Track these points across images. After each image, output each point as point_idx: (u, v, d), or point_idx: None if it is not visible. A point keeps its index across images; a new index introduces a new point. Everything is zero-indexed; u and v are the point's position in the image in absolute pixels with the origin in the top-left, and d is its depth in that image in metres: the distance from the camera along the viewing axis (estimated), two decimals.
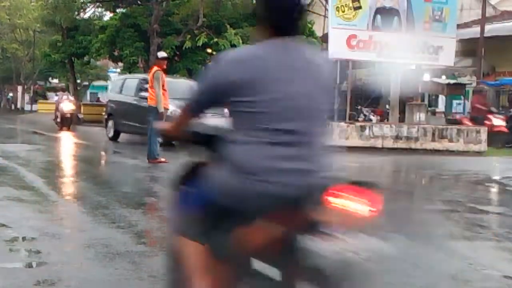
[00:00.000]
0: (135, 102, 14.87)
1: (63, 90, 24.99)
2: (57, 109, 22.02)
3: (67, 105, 21.68)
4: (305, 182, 2.14)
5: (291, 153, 2.17)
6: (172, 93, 13.33)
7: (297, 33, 2.31)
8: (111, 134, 16.33)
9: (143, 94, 13.64)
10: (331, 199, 2.05)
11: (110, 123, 16.42)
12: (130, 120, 14.97)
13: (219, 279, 2.31)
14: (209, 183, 2.30)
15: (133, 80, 16.36)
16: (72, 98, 24.38)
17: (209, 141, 2.42)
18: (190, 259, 2.38)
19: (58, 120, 21.59)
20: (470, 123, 17.75)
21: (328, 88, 2.38)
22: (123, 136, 16.22)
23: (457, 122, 17.97)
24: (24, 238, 4.81)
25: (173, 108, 11.09)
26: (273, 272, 2.16)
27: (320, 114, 2.31)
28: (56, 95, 23.95)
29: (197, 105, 2.41)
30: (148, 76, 11.09)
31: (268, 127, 2.18)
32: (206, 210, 2.31)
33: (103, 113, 18.77)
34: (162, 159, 10.47)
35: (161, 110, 10.64)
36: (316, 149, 2.23)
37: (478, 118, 17.99)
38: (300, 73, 2.26)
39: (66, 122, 21.37)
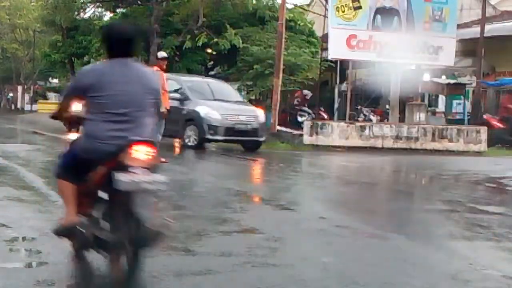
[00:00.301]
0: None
1: None
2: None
3: (76, 106, 21.28)
4: (123, 142, 3.51)
5: (120, 127, 3.58)
6: (217, 97, 13.53)
7: (132, 55, 3.72)
8: None
9: (174, 95, 13.50)
10: (134, 151, 3.49)
11: None
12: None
13: (82, 204, 3.77)
14: (76, 145, 3.82)
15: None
16: None
17: (79, 121, 3.94)
18: (64, 192, 3.84)
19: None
20: (500, 124, 17.64)
21: (152, 89, 3.76)
22: None
23: (484, 123, 17.69)
24: (24, 238, 4.80)
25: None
26: (104, 195, 3.61)
27: (144, 104, 3.69)
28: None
29: (69, 98, 3.92)
30: None
31: (109, 112, 3.59)
32: (74, 162, 3.76)
33: None
34: (162, 159, 10.47)
35: (162, 109, 10.66)
36: (137, 124, 3.62)
37: (510, 118, 17.88)
38: (131, 79, 3.66)
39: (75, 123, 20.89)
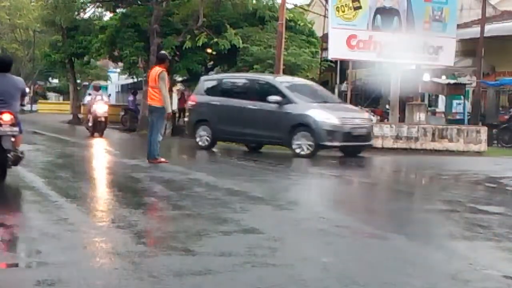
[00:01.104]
0: (254, 107, 13.37)
1: (96, 88, 20.14)
2: (89, 111, 18.88)
3: (101, 107, 18.64)
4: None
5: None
6: (319, 98, 13.03)
7: (7, 71, 7.46)
8: (204, 142, 14.13)
9: (274, 98, 12.87)
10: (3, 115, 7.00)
11: (202, 130, 14.18)
12: (241, 127, 13.41)
13: None
14: None
15: (243, 80, 14.85)
16: (106, 98, 20.80)
17: None
18: None
19: (90, 124, 18.65)
20: None
21: (18, 88, 7.44)
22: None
23: None
24: (24, 238, 4.81)
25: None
26: None
27: (15, 96, 7.34)
28: (89, 94, 19.85)
29: None
30: (150, 76, 10.85)
31: None
32: None
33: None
34: (162, 159, 10.47)
35: (169, 110, 10.71)
36: (8, 105, 7.17)
37: None
38: (7, 83, 7.32)
39: (100, 127, 18.39)
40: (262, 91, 13.59)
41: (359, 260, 4.45)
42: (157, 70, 10.58)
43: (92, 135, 18.38)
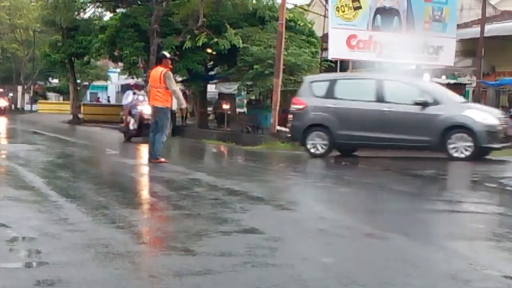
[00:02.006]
0: (388, 110, 12.37)
1: (137, 87, 17.54)
2: (129, 113, 16.89)
3: (148, 109, 15.84)
4: None
5: None
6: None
7: None
8: (318, 149, 12.96)
9: (419, 99, 12.03)
10: None
11: (316, 136, 13.02)
12: (370, 131, 12.43)
13: None
14: None
15: (367, 81, 13.56)
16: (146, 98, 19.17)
17: None
18: None
19: (132, 127, 16.63)
20: None
21: None
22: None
23: None
24: (24, 238, 4.81)
25: None
26: None
27: None
28: (134, 92, 17.27)
29: None
30: (152, 77, 10.74)
31: None
32: None
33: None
34: (163, 159, 10.48)
35: (184, 105, 10.99)
36: None
37: None
38: None
39: (145, 129, 15.36)
40: (397, 92, 12.68)
41: (359, 260, 4.45)
42: (160, 70, 10.51)
43: (128, 139, 16.66)
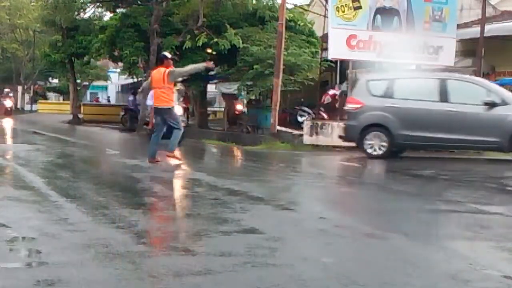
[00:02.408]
0: (452, 110, 12.25)
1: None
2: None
3: (179, 109, 15.75)
4: None
5: None
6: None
7: None
8: (376, 151, 12.80)
9: (488, 99, 11.93)
10: None
11: (374, 136, 12.86)
12: (434, 132, 12.30)
13: None
14: None
15: (430, 80, 13.24)
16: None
17: None
18: None
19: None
20: None
21: None
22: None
23: None
24: (24, 238, 4.81)
25: None
26: None
27: None
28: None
29: None
30: (155, 78, 10.63)
31: None
32: None
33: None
34: (177, 155, 10.57)
35: (202, 66, 11.35)
36: None
37: None
38: None
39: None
40: (462, 92, 12.54)
41: (359, 260, 4.45)
42: (162, 70, 10.46)
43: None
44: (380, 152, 12.65)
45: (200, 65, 11.35)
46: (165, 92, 10.43)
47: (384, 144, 12.66)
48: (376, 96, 13.06)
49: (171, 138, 10.52)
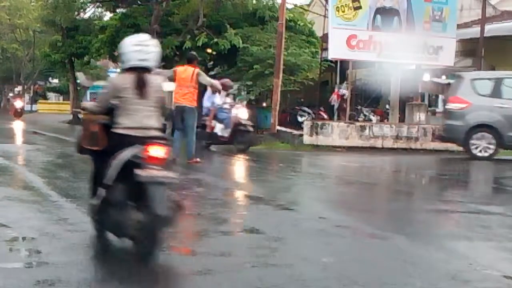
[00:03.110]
0: None
1: (225, 87, 13.83)
2: (215, 117, 14.15)
3: (245, 113, 14.52)
4: None
5: None
6: None
7: None
8: (483, 152, 12.69)
9: None
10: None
11: (481, 137, 12.72)
12: None
13: None
14: None
15: None
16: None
17: None
18: None
19: (221, 133, 13.99)
20: None
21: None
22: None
23: None
24: (24, 238, 4.81)
25: None
26: None
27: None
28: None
29: None
30: (180, 76, 10.54)
31: None
32: None
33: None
34: (198, 159, 10.48)
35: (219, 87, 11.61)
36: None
37: None
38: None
39: (242, 137, 13.98)
40: None
41: (359, 260, 4.45)
42: (191, 70, 10.48)
43: (207, 147, 14.01)
44: (487, 154, 12.53)
45: (216, 84, 11.41)
46: (190, 92, 10.41)
47: (491, 145, 12.54)
48: (483, 96, 12.83)
49: (187, 147, 10.43)
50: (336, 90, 22.18)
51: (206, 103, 14.07)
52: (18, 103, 33.94)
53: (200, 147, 11.02)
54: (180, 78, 10.45)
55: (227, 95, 14.86)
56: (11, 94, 43.53)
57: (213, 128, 14.00)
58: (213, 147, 14.31)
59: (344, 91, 21.67)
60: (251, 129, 13.98)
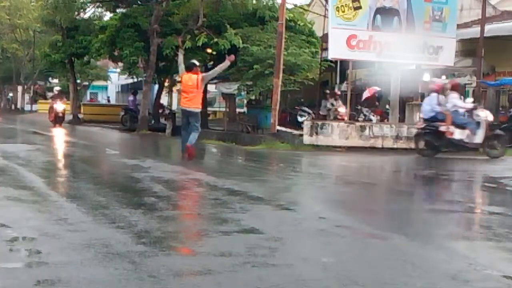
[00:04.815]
0: None
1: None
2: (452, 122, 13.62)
3: None
4: None
5: None
6: None
7: None
8: None
9: None
10: None
11: None
12: None
13: None
14: None
15: None
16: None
17: None
18: None
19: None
20: None
21: None
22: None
23: None
24: (24, 238, 4.81)
25: None
26: None
27: None
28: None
29: None
30: (186, 83, 11.62)
31: None
32: None
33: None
34: (193, 152, 11.40)
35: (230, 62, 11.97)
36: None
37: None
38: None
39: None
40: None
41: (359, 260, 4.45)
42: (195, 77, 11.49)
43: (435, 154, 13.80)
44: None
45: (224, 64, 12.06)
46: (197, 97, 11.50)
47: None
48: None
49: (190, 137, 11.42)
50: (370, 87, 21.73)
51: (426, 107, 13.71)
52: (59, 106, 25.16)
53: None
54: (187, 86, 11.66)
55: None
56: (55, 92, 36.32)
57: (452, 134, 13.46)
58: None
59: (376, 88, 21.48)
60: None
